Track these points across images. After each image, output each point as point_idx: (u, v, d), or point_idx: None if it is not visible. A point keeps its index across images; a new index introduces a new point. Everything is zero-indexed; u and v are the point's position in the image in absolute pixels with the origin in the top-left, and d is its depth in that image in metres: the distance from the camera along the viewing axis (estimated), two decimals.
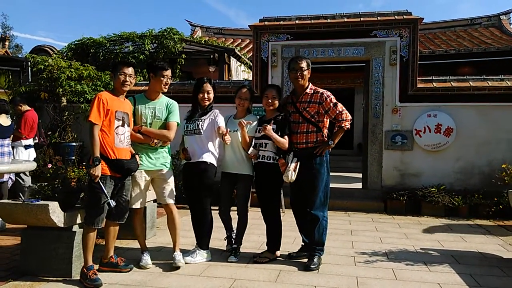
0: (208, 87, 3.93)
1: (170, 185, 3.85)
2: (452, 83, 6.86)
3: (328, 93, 3.85)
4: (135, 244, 4.09)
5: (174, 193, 3.89)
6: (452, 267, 3.83)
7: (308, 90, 3.88)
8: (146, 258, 3.75)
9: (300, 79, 3.84)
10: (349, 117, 3.81)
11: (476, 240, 4.90)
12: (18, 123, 5.86)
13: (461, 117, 6.70)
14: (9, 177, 5.49)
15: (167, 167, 3.81)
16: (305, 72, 3.83)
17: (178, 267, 3.66)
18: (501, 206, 6.07)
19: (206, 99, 3.92)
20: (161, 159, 3.77)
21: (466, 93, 6.72)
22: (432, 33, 13.92)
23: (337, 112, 3.76)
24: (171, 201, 3.84)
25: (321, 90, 3.87)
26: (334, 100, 3.80)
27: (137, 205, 3.76)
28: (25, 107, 6.11)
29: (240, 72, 11.65)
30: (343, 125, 3.77)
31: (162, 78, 3.73)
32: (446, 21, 14.50)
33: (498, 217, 6.11)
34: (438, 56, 11.12)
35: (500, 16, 13.80)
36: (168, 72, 3.79)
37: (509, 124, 6.60)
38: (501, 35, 12.72)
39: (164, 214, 4.13)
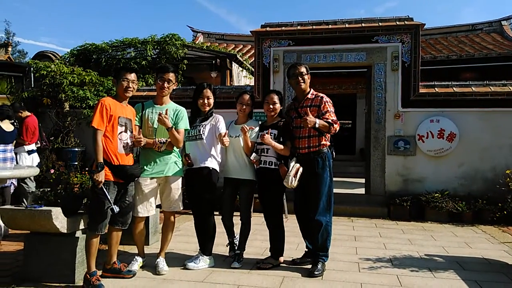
0: (208, 92, 3.92)
1: (178, 192, 3.81)
2: (454, 88, 6.86)
3: (328, 99, 3.85)
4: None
5: (181, 200, 3.87)
6: (457, 273, 3.80)
7: (309, 95, 3.89)
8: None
9: (302, 84, 3.85)
10: (337, 128, 3.70)
11: (481, 246, 4.87)
12: (19, 130, 5.87)
13: (464, 122, 6.68)
14: (11, 183, 5.49)
15: (176, 174, 3.78)
16: (305, 77, 3.85)
17: (161, 275, 3.64)
18: (505, 212, 6.03)
19: (206, 104, 3.92)
20: (170, 165, 3.74)
21: (469, 98, 6.71)
22: (433, 38, 13.95)
23: (329, 118, 3.69)
24: (175, 209, 3.83)
25: (321, 94, 3.88)
26: (330, 108, 3.76)
27: (141, 214, 3.73)
28: (25, 113, 6.14)
29: (241, 77, 11.67)
30: (334, 125, 3.67)
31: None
32: (447, 26, 14.52)
33: (502, 222, 6.07)
34: (439, 61, 11.13)
35: (502, 22, 13.81)
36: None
37: None
38: (502, 41, 12.74)
39: None
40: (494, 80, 6.92)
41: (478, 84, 6.90)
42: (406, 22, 6.90)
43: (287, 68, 4.06)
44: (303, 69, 3.86)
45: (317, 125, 3.63)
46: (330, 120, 3.68)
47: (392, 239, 5.15)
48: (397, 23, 6.93)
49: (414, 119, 6.84)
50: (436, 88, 6.90)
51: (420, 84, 6.84)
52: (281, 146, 3.78)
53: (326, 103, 3.79)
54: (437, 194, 6.42)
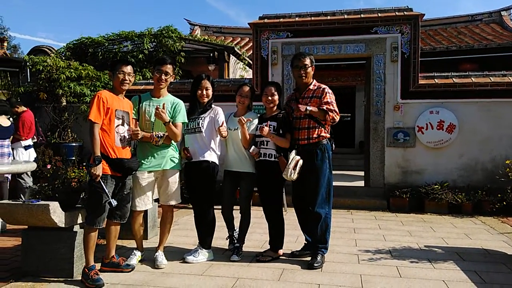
0: (207, 83, 3.88)
1: (175, 186, 3.78)
2: (454, 79, 6.81)
3: (330, 90, 3.82)
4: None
5: (179, 194, 3.84)
6: (457, 264, 3.79)
7: (311, 86, 3.85)
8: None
9: (304, 77, 3.81)
10: (337, 118, 3.72)
11: (480, 237, 4.86)
12: (16, 125, 5.83)
13: (464, 113, 6.65)
14: (7, 177, 5.45)
15: (173, 167, 3.74)
16: (309, 69, 3.81)
17: (160, 268, 3.62)
18: (505, 203, 6.03)
19: (205, 95, 3.88)
20: (168, 159, 3.70)
21: (469, 89, 6.67)
22: (433, 29, 13.87)
23: (330, 108, 3.69)
24: (173, 203, 3.81)
25: (323, 86, 3.84)
26: (330, 99, 3.73)
27: (139, 208, 3.71)
28: (22, 108, 6.11)
29: (237, 69, 11.58)
30: (329, 113, 3.66)
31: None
32: (447, 17, 14.45)
33: (502, 213, 6.07)
34: (439, 52, 11.09)
35: (501, 12, 13.74)
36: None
37: None
38: (502, 31, 12.67)
39: None
40: (494, 71, 6.88)
41: (478, 74, 6.86)
42: (405, 13, 6.84)
43: (292, 57, 3.98)
44: (307, 61, 3.79)
45: (308, 111, 3.62)
46: (324, 107, 3.65)
47: (391, 231, 5.14)
48: (397, 13, 6.86)
49: (413, 111, 6.80)
50: (435, 79, 6.85)
51: (419, 75, 6.79)
52: (281, 139, 3.75)
53: (327, 94, 3.76)
54: (437, 186, 6.41)
